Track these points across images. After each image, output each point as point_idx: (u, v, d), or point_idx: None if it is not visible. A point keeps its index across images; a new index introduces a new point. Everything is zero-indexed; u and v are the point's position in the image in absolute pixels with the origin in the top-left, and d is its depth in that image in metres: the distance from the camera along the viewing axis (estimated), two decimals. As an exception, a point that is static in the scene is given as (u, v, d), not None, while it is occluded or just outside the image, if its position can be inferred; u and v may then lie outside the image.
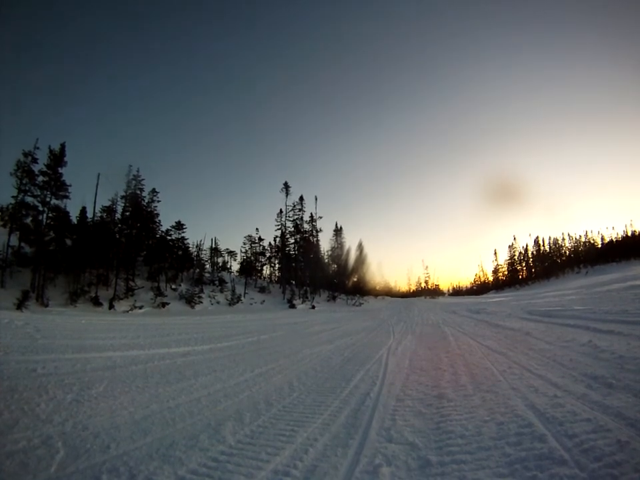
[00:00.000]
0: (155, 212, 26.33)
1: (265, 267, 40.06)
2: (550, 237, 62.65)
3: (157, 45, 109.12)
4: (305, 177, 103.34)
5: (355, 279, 45.82)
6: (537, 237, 63.41)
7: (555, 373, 4.07)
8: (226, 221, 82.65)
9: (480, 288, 72.79)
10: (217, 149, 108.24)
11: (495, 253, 69.35)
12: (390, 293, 62.48)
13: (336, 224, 44.61)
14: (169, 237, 27.04)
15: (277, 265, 40.08)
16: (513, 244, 65.68)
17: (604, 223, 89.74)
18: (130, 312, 18.79)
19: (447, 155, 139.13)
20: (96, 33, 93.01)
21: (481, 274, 76.13)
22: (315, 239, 39.70)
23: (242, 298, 28.08)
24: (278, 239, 38.40)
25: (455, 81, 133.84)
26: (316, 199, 39.65)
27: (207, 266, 33.01)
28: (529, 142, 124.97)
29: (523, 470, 1.99)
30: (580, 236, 59.90)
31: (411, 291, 71.21)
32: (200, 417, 3.11)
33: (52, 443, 2.52)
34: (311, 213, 39.32)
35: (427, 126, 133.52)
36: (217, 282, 29.33)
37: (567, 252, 60.65)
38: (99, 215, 23.42)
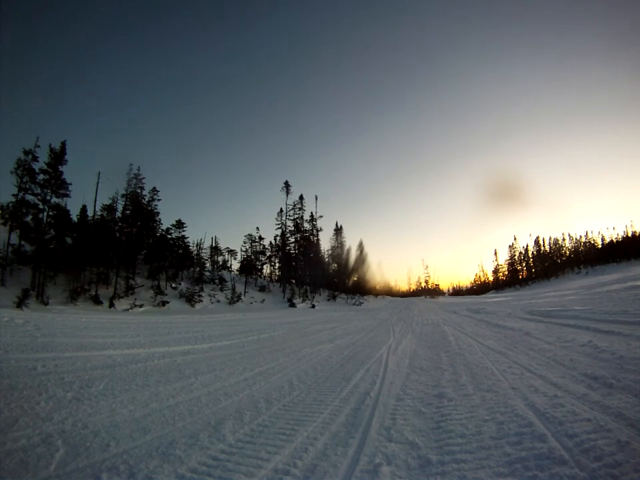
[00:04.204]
0: (156, 210, 26.34)
1: (265, 266, 40.10)
2: (550, 237, 62.75)
3: (159, 45, 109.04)
4: (305, 177, 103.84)
5: (355, 278, 45.98)
6: (537, 237, 63.46)
7: (555, 372, 4.06)
8: (226, 219, 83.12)
9: (480, 288, 72.79)
10: (218, 148, 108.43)
11: (495, 253, 69.42)
12: (390, 293, 62.68)
13: (336, 223, 44.73)
14: (169, 236, 27.05)
15: (277, 264, 40.10)
16: (513, 244, 65.72)
17: (604, 224, 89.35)
18: (130, 310, 18.80)
19: (448, 155, 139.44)
20: (97, 32, 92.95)
21: (481, 274, 76.22)
22: (315, 238, 39.77)
23: (242, 297, 28.10)
24: (278, 238, 38.44)
25: (456, 82, 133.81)
26: (316, 198, 39.74)
27: (207, 265, 33.06)
28: (530, 142, 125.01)
29: (523, 469, 1.98)
30: (580, 236, 59.98)
31: (411, 290, 71.44)
32: (200, 416, 3.11)
33: (52, 441, 2.52)
34: (311, 212, 39.44)
35: (427, 126, 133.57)
36: (217, 281, 29.33)
37: (567, 252, 60.63)
38: (99, 213, 23.48)
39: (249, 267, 35.62)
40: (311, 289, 35.71)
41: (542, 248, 62.47)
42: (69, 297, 17.68)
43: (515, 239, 67.11)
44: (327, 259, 43.69)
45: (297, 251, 38.52)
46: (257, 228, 39.92)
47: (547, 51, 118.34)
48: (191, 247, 29.69)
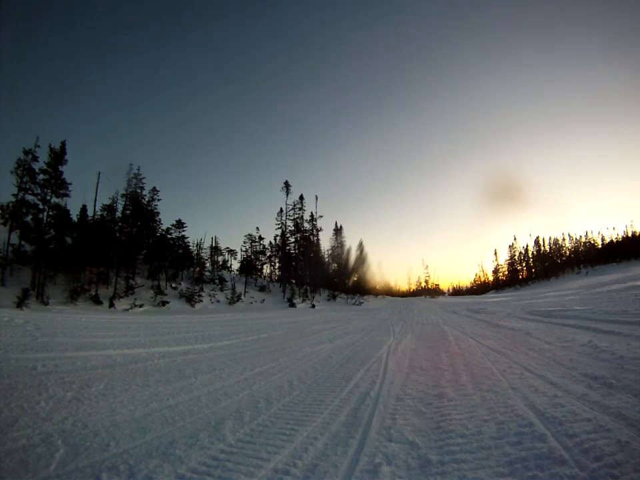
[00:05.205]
0: (156, 210, 26.34)
1: (265, 266, 40.11)
2: (550, 237, 62.78)
3: (159, 45, 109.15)
4: (305, 177, 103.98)
5: (355, 278, 45.98)
6: (537, 237, 63.47)
7: (555, 372, 4.06)
8: (226, 219, 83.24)
9: (480, 288, 72.80)
10: (218, 147, 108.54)
11: (495, 253, 69.44)
12: (390, 293, 62.70)
13: (336, 223, 44.78)
14: (169, 236, 27.04)
15: (277, 264, 40.10)
16: (513, 244, 65.74)
17: (604, 224, 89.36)
18: (130, 310, 18.80)
19: (448, 155, 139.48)
20: (97, 32, 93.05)
21: (481, 274, 76.24)
22: (315, 238, 39.79)
23: (242, 297, 28.09)
24: (278, 238, 38.44)
25: (456, 82, 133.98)
26: (316, 198, 39.76)
27: (207, 265, 33.05)
28: (530, 142, 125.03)
29: (523, 469, 1.98)
30: (580, 236, 59.99)
31: (411, 290, 71.45)
32: (200, 416, 3.10)
33: (52, 441, 2.52)
34: (311, 212, 39.47)
35: (427, 126, 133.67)
36: (217, 281, 29.33)
37: (567, 252, 60.63)
38: (99, 213, 23.48)
39: (249, 266, 35.61)
40: (310, 289, 35.70)
41: (542, 248, 62.48)
42: (68, 297, 17.68)
43: (515, 239, 67.26)
44: (326, 259, 43.73)
45: (296, 251, 38.52)
46: (257, 228, 39.97)
47: (546, 51, 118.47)
48: (190, 247, 29.71)
